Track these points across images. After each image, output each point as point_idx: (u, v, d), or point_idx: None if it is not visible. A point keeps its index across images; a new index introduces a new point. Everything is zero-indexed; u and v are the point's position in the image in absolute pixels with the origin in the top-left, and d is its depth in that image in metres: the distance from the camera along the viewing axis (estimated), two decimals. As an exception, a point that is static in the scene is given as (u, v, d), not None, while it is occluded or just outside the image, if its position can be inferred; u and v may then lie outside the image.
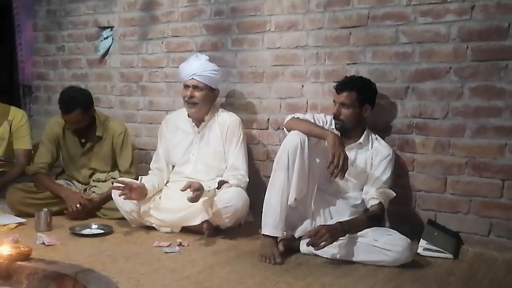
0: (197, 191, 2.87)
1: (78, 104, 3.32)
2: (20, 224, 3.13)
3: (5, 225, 3.06)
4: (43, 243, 2.72)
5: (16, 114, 3.74)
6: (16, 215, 3.26)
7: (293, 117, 2.89)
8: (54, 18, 4.55)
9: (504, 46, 2.79)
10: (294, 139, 2.69)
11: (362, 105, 2.84)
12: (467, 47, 2.89)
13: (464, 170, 2.92)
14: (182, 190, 2.89)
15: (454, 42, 2.92)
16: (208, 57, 3.33)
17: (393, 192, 2.77)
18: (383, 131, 3.06)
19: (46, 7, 4.60)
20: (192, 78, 3.18)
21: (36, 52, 4.71)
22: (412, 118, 3.06)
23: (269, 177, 2.75)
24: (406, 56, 3.06)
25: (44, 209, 3.08)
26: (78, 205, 3.28)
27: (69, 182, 3.58)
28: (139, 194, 3.07)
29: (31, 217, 3.12)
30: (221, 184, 3.07)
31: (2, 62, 5.74)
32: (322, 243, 2.48)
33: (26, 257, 2.22)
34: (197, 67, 3.19)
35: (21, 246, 2.30)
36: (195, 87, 3.19)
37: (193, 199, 2.88)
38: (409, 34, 3.04)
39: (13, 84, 5.48)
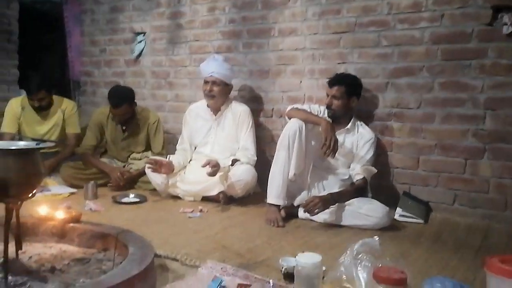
0: (214, 167, 2.87)
1: (126, 99, 3.33)
2: (72, 193, 3.14)
3: (60, 194, 3.07)
4: (90, 209, 2.73)
5: (68, 104, 3.72)
6: (68, 186, 3.27)
7: (293, 107, 2.86)
8: (98, 25, 4.50)
9: (468, 48, 2.75)
10: (293, 125, 2.66)
11: (350, 97, 2.81)
12: (438, 49, 2.84)
13: (433, 151, 2.89)
14: (203, 166, 2.89)
15: (426, 44, 2.87)
16: (223, 58, 3.30)
17: (375, 169, 2.75)
18: (367, 119, 3.03)
19: (91, 17, 4.56)
20: (211, 75, 3.15)
21: (83, 54, 4.68)
22: (391, 108, 3.02)
23: (273, 156, 2.74)
24: (386, 56, 3.01)
25: (91, 181, 3.09)
26: (119, 174, 3.28)
27: (111, 160, 3.57)
28: (168, 169, 3.07)
29: (80, 188, 3.14)
30: (234, 161, 3.06)
31: (56, 62, 5.72)
32: (316, 210, 2.48)
33: (77, 220, 2.22)
34: (215, 66, 3.16)
35: (73, 211, 2.30)
36: (213, 83, 3.16)
37: (211, 174, 2.87)
38: (389, 38, 2.99)
39: (65, 79, 5.48)
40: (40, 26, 5.71)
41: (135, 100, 3.47)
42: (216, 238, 2.29)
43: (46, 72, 3.91)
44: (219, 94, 3.18)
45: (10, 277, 1.60)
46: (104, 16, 4.44)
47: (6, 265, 1.58)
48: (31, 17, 5.30)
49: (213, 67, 3.16)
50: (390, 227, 2.53)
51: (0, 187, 1.56)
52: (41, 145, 1.78)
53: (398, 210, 2.74)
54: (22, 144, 1.80)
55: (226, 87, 3.22)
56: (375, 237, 1.70)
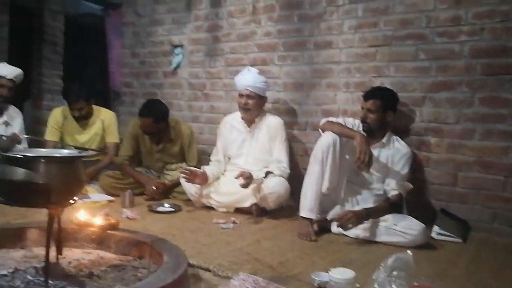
0: (247, 179, 2.89)
1: (152, 113, 3.38)
2: (110, 201, 3.22)
3: (98, 201, 3.16)
4: (127, 217, 2.78)
5: (107, 114, 3.82)
6: (107, 194, 3.35)
7: (327, 120, 2.85)
8: (138, 38, 4.64)
9: (508, 63, 2.68)
10: (327, 138, 2.65)
11: (385, 111, 2.77)
12: (477, 63, 2.77)
13: (472, 167, 2.80)
14: (236, 178, 2.91)
15: (466, 58, 2.81)
16: (258, 71, 3.32)
17: (411, 185, 2.69)
18: (403, 133, 2.97)
19: (132, 29, 4.71)
20: (246, 89, 3.18)
21: (123, 65, 4.82)
22: (428, 123, 2.96)
23: (307, 169, 2.73)
24: (424, 70, 2.96)
25: (128, 190, 3.17)
26: (154, 188, 3.35)
27: (147, 170, 3.65)
28: (202, 180, 3.11)
29: (118, 196, 3.22)
30: (267, 174, 3.06)
31: (98, 73, 5.93)
32: (350, 225, 2.45)
33: (114, 227, 2.27)
34: (250, 79, 3.19)
35: (111, 219, 2.35)
36: (248, 96, 3.19)
37: (245, 185, 2.89)
38: (427, 52, 2.95)
39: (105, 90, 5.66)
40: (83, 38, 5.96)
41: (169, 115, 3.53)
42: (248, 250, 2.29)
43: (86, 82, 4.05)
44: (253, 107, 3.21)
45: (50, 281, 1.66)
46: (144, 29, 4.58)
47: (47, 269, 1.64)
48: (75, 29, 5.54)
49: (248, 80, 3.19)
50: (426, 246, 2.46)
51: (43, 194, 1.62)
52: (83, 154, 1.85)
53: (435, 228, 2.66)
54: (65, 152, 1.88)
55: (260, 100, 3.24)
56: (408, 251, 1.66)
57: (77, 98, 3.55)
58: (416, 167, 2.90)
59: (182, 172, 3.12)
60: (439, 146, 2.92)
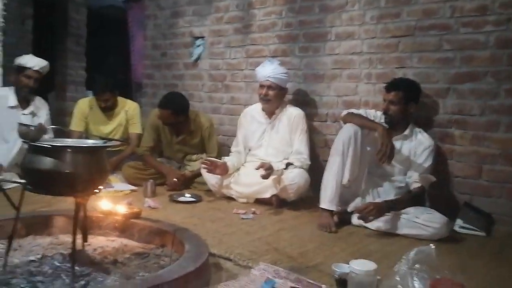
0: (268, 170, 2.90)
1: (170, 106, 3.41)
2: (132, 191, 3.27)
3: (121, 191, 3.22)
4: (149, 206, 2.83)
5: (131, 106, 3.89)
6: (129, 184, 3.41)
7: (348, 112, 2.83)
8: (160, 30, 4.67)
9: (538, 53, 2.59)
10: (348, 130, 2.64)
11: (408, 102, 2.73)
12: (503, 54, 2.70)
13: (497, 160, 2.75)
14: (256, 169, 2.93)
15: (491, 49, 2.75)
16: (279, 62, 3.33)
17: (433, 177, 2.65)
18: (426, 125, 2.93)
19: (154, 22, 4.74)
20: (267, 80, 3.18)
21: (145, 57, 4.86)
22: (452, 115, 2.91)
23: (327, 161, 2.72)
24: (448, 61, 2.91)
25: (150, 180, 3.22)
26: (175, 180, 3.40)
27: (168, 161, 3.69)
28: (222, 170, 3.13)
29: (140, 186, 3.27)
30: (287, 165, 3.06)
31: (120, 64, 6.01)
32: (370, 217, 2.44)
33: (137, 216, 2.31)
34: (271, 70, 3.19)
35: (134, 208, 2.40)
36: (269, 87, 3.19)
37: (265, 177, 2.91)
38: (451, 42, 2.89)
39: (127, 81, 5.74)
40: (106, 30, 6.03)
41: (190, 106, 3.57)
42: (268, 240, 2.31)
43: (112, 74, 4.12)
44: (274, 98, 3.21)
45: (76, 267, 1.71)
46: (166, 21, 4.60)
47: (74, 256, 1.69)
48: (97, 21, 5.61)
49: (268, 71, 3.19)
50: (449, 239, 2.43)
51: (70, 182, 1.66)
52: (107, 144, 1.89)
53: (458, 221, 2.63)
54: (90, 142, 1.92)
55: (281, 91, 3.24)
56: (431, 244, 1.64)
57: (103, 89, 3.64)
58: (439, 159, 2.86)
59: (202, 163, 3.15)
60: (463, 138, 2.87)
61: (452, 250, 2.28)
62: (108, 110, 3.75)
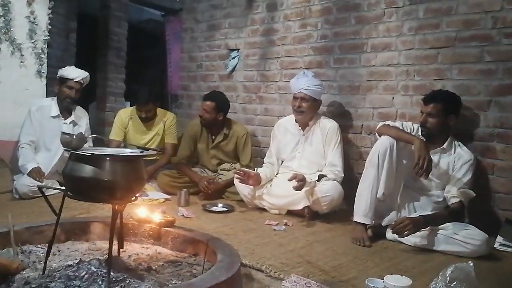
0: (301, 182, 2.89)
1: (215, 99, 3.59)
2: (166, 199, 3.34)
3: (156, 199, 3.29)
4: (183, 215, 2.87)
5: (169, 116, 4.00)
6: (164, 193, 3.48)
7: (384, 124, 2.79)
8: (196, 42, 4.78)
9: None
10: (384, 142, 2.60)
11: (447, 115, 2.67)
12: (550, 65, 2.60)
13: (543, 176, 2.63)
14: (289, 180, 2.92)
15: (536, 60, 2.65)
16: (313, 73, 3.33)
17: (473, 192, 2.57)
18: (466, 139, 2.84)
19: (190, 34, 4.86)
20: (300, 92, 3.19)
21: (182, 69, 4.99)
22: (494, 128, 2.82)
23: (361, 173, 2.69)
24: (489, 72, 2.83)
25: (184, 189, 3.27)
26: (206, 183, 3.44)
27: (202, 170, 3.76)
28: (255, 181, 3.15)
29: (174, 195, 3.33)
30: (320, 177, 3.05)
31: (157, 77, 6.18)
32: (406, 232, 2.38)
33: (171, 224, 2.35)
34: (305, 82, 3.19)
35: (168, 216, 2.44)
36: (303, 99, 3.19)
37: (297, 188, 2.90)
38: (493, 54, 2.81)
39: (163, 92, 5.88)
40: (144, 43, 6.23)
41: (228, 112, 3.68)
42: (300, 252, 2.30)
43: (153, 86, 4.27)
44: (307, 110, 3.20)
45: (112, 273, 1.75)
46: (202, 34, 4.71)
47: (110, 262, 1.73)
48: (136, 34, 5.81)
49: (302, 83, 3.19)
50: (489, 257, 2.34)
51: (108, 190, 1.71)
52: (145, 153, 1.94)
53: (499, 239, 2.53)
54: (128, 151, 1.98)
55: (315, 103, 3.24)
56: (469, 262, 1.59)
57: (147, 100, 3.78)
58: (479, 174, 2.77)
59: (236, 173, 3.17)
60: (505, 152, 2.76)
61: (492, 269, 2.19)
62: (148, 120, 3.87)
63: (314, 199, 2.95)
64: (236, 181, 3.22)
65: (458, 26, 2.95)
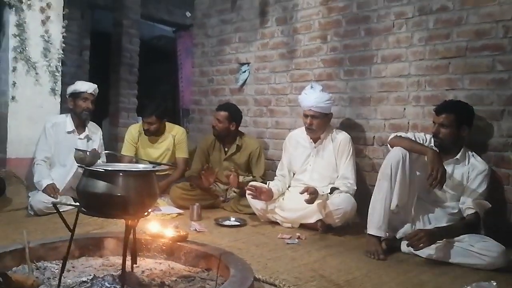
0: (313, 195, 2.88)
1: (228, 109, 3.67)
2: (179, 214, 3.35)
3: (169, 214, 3.30)
4: (195, 230, 2.88)
5: (178, 131, 4.03)
6: (176, 207, 3.50)
7: (396, 135, 2.78)
8: (207, 57, 4.83)
9: None
10: (397, 154, 2.59)
11: (460, 125, 2.64)
12: None
13: (560, 186, 2.59)
14: (301, 193, 2.92)
15: (550, 69, 2.62)
16: (321, 87, 3.24)
17: (489, 204, 2.53)
18: (480, 149, 2.81)
19: (201, 49, 4.91)
20: (310, 109, 3.16)
21: (193, 84, 5.03)
22: (508, 138, 2.78)
23: (374, 185, 2.67)
24: (502, 82, 2.80)
25: (196, 203, 3.28)
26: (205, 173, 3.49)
27: (215, 184, 3.76)
28: (267, 196, 3.15)
29: (186, 209, 3.34)
30: (333, 190, 3.03)
31: (169, 92, 6.25)
32: (421, 244, 2.35)
33: (184, 239, 2.36)
34: (313, 100, 3.13)
35: (180, 231, 2.45)
36: (313, 116, 3.17)
37: (310, 201, 2.89)
38: (505, 63, 2.79)
39: (175, 107, 5.94)
40: (156, 59, 6.32)
41: (240, 124, 3.75)
42: (314, 266, 2.28)
43: (160, 100, 4.31)
44: (318, 126, 3.19)
45: (125, 288, 1.76)
46: (212, 48, 4.76)
47: (123, 277, 1.75)
48: (148, 50, 5.90)
49: (312, 100, 3.14)
50: (506, 269, 2.30)
51: (121, 205, 1.74)
52: (157, 168, 1.96)
53: (517, 251, 2.48)
54: (141, 166, 2.00)
55: (325, 117, 3.22)
56: (493, 282, 1.56)
57: (150, 113, 3.81)
58: (494, 185, 2.73)
59: (248, 189, 3.17)
60: (521, 162, 2.73)
61: (510, 282, 2.15)
62: (151, 134, 3.88)
63: (326, 212, 2.94)
64: (248, 197, 3.21)
65: (469, 36, 2.94)
